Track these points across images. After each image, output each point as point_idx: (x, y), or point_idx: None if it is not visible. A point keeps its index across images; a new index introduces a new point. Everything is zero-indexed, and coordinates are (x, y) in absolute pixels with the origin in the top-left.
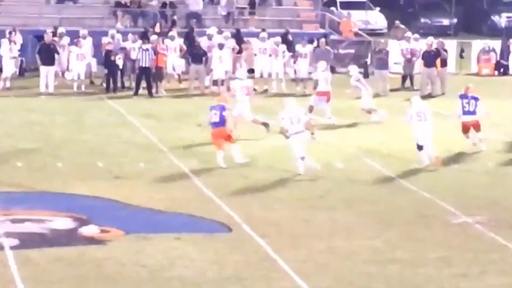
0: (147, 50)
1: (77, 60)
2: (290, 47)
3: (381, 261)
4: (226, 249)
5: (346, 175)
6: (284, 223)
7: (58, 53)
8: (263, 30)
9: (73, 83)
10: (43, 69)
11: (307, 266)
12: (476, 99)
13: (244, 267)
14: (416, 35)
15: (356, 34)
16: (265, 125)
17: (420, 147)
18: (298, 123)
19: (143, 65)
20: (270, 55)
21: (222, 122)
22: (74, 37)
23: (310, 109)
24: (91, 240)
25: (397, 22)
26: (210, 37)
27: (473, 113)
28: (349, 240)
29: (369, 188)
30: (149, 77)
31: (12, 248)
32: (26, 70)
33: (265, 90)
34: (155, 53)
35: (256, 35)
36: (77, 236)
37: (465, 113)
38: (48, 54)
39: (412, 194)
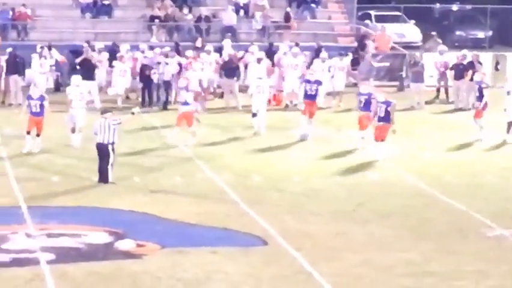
0: (166, 63)
1: (120, 76)
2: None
3: (417, 274)
4: (262, 263)
5: (380, 188)
6: (319, 236)
7: (97, 68)
8: (296, 44)
9: (117, 97)
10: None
11: (342, 279)
12: None
13: (280, 280)
14: (445, 48)
15: (391, 47)
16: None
17: (254, 115)
18: None
19: (164, 79)
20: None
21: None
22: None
23: None
24: (127, 255)
25: (433, 33)
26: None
27: None
28: (384, 253)
29: (404, 201)
30: (169, 89)
31: (48, 262)
32: (61, 85)
33: (295, 105)
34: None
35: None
36: (113, 250)
37: None
38: (89, 69)
39: (447, 206)
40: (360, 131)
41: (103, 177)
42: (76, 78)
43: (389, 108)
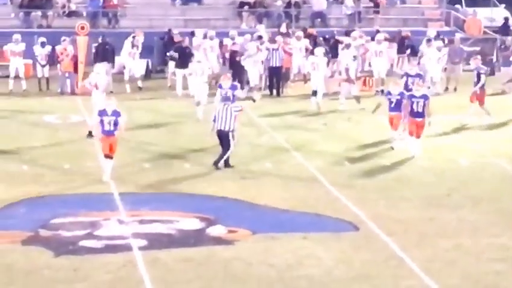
0: (277, 49)
1: (254, 66)
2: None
3: (509, 259)
4: (353, 248)
5: (471, 173)
6: (410, 221)
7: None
8: (377, 31)
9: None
10: (179, 72)
11: (434, 264)
12: None
13: (371, 265)
14: None
15: (482, 32)
16: None
17: (314, 93)
18: None
19: (274, 65)
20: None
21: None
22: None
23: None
24: (219, 241)
25: None
26: (354, 38)
27: None
28: (476, 238)
29: (495, 186)
30: (280, 76)
31: (140, 248)
32: (152, 72)
33: (381, 91)
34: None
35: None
36: (204, 236)
37: None
38: (185, 57)
39: None
40: (393, 131)
41: (218, 162)
42: (198, 55)
43: (426, 102)
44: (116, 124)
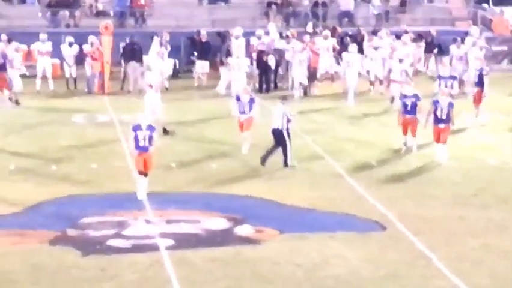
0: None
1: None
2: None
3: None
4: (381, 248)
5: (500, 172)
6: (438, 221)
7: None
8: (405, 32)
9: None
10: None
11: (462, 263)
12: None
13: (399, 265)
14: None
15: (510, 31)
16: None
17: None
18: None
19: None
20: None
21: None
22: None
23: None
24: (246, 240)
25: None
26: (381, 37)
27: None
28: (504, 238)
29: None
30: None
31: (167, 248)
32: (179, 72)
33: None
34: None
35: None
36: (232, 236)
37: None
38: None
39: None
40: (404, 135)
41: (264, 160)
42: (237, 52)
43: (450, 109)
44: (151, 139)
